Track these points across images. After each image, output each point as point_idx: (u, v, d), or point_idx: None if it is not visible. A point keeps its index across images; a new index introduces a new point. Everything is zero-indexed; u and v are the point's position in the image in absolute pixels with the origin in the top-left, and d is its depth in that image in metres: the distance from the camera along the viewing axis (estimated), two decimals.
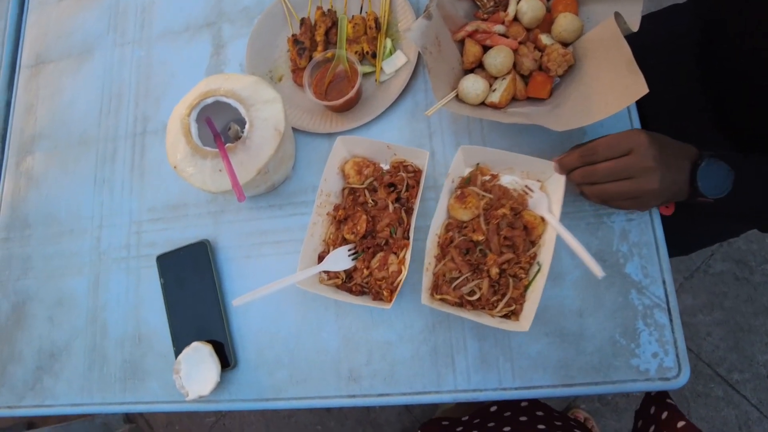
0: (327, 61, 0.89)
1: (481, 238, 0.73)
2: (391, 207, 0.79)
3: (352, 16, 0.92)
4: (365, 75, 0.90)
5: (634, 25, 0.73)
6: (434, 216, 0.75)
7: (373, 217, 0.80)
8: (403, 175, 0.81)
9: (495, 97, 0.78)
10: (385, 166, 0.85)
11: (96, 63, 1.07)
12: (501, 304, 0.71)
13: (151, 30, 1.06)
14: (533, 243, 0.75)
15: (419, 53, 0.85)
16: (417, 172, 0.82)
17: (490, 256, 0.73)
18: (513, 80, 0.78)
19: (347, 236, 0.80)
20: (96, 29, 1.10)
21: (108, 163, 0.99)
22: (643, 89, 0.64)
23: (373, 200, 0.81)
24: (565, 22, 0.77)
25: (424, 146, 0.86)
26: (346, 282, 0.79)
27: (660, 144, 0.65)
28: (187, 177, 0.77)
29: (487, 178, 0.79)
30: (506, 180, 0.79)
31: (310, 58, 0.91)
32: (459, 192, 0.76)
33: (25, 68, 1.13)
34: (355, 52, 0.90)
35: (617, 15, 0.70)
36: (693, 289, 1.64)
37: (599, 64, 0.73)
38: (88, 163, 1.01)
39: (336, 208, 0.83)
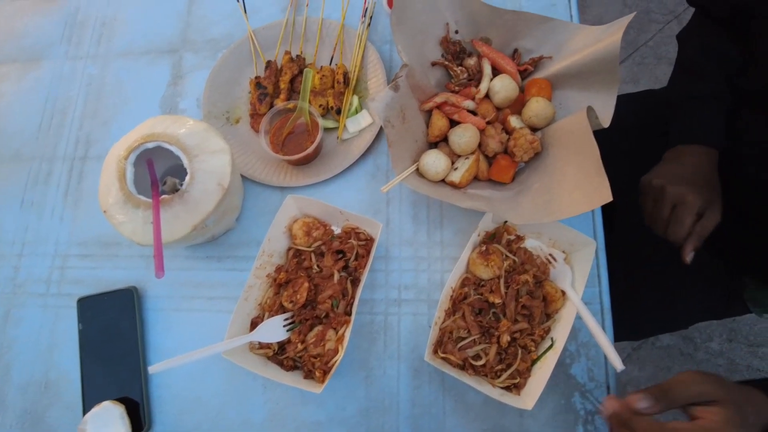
0: (288, 111, 0.84)
1: (498, 300, 0.69)
2: (336, 276, 0.74)
3: (321, 66, 0.88)
4: (327, 130, 0.86)
5: (606, 120, 0.71)
6: (454, 269, 0.71)
7: (316, 285, 0.75)
8: (354, 242, 0.77)
9: (456, 177, 0.74)
10: (337, 230, 0.80)
11: (43, 73, 1.00)
12: (505, 375, 0.67)
13: (109, 47, 0.99)
14: (549, 316, 0.71)
15: None
16: (369, 241, 0.78)
17: (504, 322, 0.68)
18: (476, 161, 0.75)
19: (285, 304, 0.74)
20: (49, 37, 1.02)
21: (40, 185, 0.92)
22: (607, 196, 0.61)
23: (318, 266, 0.76)
24: (536, 108, 0.74)
25: (380, 213, 0.82)
26: (277, 354, 0.74)
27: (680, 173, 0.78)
28: (116, 225, 0.70)
29: (512, 237, 0.75)
30: (531, 244, 0.75)
31: (271, 105, 0.86)
32: (483, 248, 0.71)
33: None
34: (320, 106, 0.85)
35: (589, 110, 0.68)
36: (640, 360, 1.64)
37: (567, 158, 0.70)
38: (18, 182, 0.92)
39: (278, 269, 0.77)
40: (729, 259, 0.90)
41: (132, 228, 0.70)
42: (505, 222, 0.74)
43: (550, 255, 0.75)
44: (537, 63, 0.80)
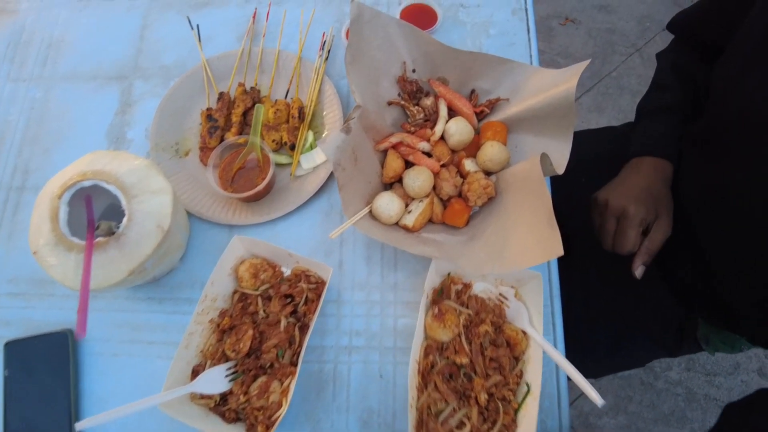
0: (239, 146, 0.81)
1: (465, 360, 0.66)
2: (283, 323, 0.71)
3: (276, 100, 0.85)
4: (280, 166, 0.83)
5: (560, 167, 0.70)
6: (414, 341, 0.67)
7: (261, 332, 0.71)
8: (304, 286, 0.74)
9: (409, 221, 0.73)
10: (286, 271, 0.77)
11: None
12: None
13: (54, 70, 0.95)
14: (517, 359, 0.69)
15: None
16: (320, 284, 0.75)
17: (477, 380, 0.65)
18: (430, 204, 0.74)
19: (228, 352, 0.71)
20: None
21: None
22: (558, 250, 0.60)
23: (265, 311, 0.73)
24: (491, 152, 0.73)
25: (333, 253, 0.79)
26: (219, 405, 0.70)
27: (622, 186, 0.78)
28: (46, 267, 0.66)
29: (460, 287, 0.73)
30: (479, 288, 0.73)
31: (222, 139, 0.83)
32: (436, 310, 0.69)
33: None
34: (273, 141, 0.83)
35: (543, 156, 0.67)
36: (601, 390, 1.64)
37: (520, 205, 0.69)
38: None
39: (222, 314, 0.74)
40: (681, 299, 0.90)
41: (63, 272, 0.65)
42: (449, 273, 0.72)
43: (501, 294, 0.74)
44: (493, 105, 0.79)
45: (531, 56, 0.90)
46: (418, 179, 0.72)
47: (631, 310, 0.91)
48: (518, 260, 0.64)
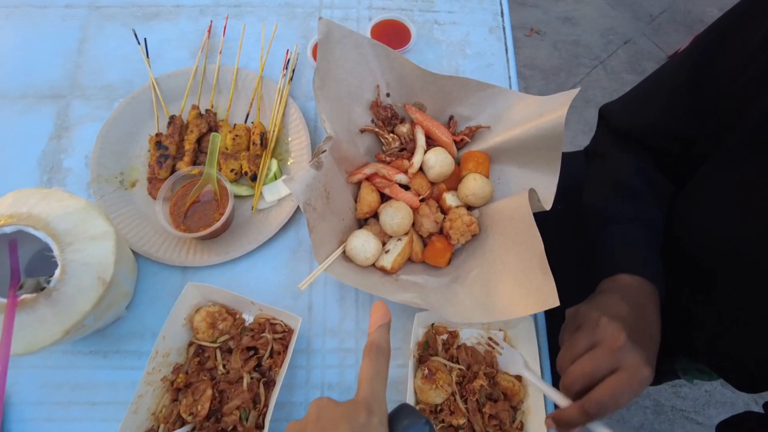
0: (193, 177, 0.73)
1: (462, 421, 0.61)
2: (246, 380, 0.63)
3: (234, 124, 0.77)
4: (240, 198, 0.75)
5: (547, 203, 0.65)
6: None
7: (221, 391, 0.63)
8: (269, 336, 0.66)
9: (387, 262, 0.66)
10: (248, 318, 0.69)
11: None
12: None
13: None
14: (515, 409, 0.64)
15: None
16: (287, 333, 0.67)
17: None
18: (410, 243, 0.67)
19: (184, 415, 0.62)
20: None
21: None
22: (553, 301, 0.55)
23: (225, 367, 0.65)
24: (474, 186, 0.68)
25: (302, 296, 0.72)
26: None
27: (613, 308, 0.56)
28: None
29: (445, 337, 0.68)
30: (466, 334, 0.68)
31: (173, 169, 0.74)
32: (426, 371, 0.62)
33: None
34: (231, 170, 0.74)
35: (531, 192, 0.62)
36: None
37: (507, 246, 0.64)
38: None
39: (176, 369, 0.65)
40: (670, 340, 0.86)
41: None
42: (432, 324, 0.67)
43: (491, 339, 0.69)
44: (474, 133, 0.74)
45: (510, 78, 0.86)
46: (396, 216, 0.65)
47: None
48: (509, 310, 0.58)
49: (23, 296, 0.55)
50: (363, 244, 0.65)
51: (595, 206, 0.72)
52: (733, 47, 0.66)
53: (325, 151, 0.63)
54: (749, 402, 1.64)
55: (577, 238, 0.76)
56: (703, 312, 0.71)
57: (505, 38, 0.89)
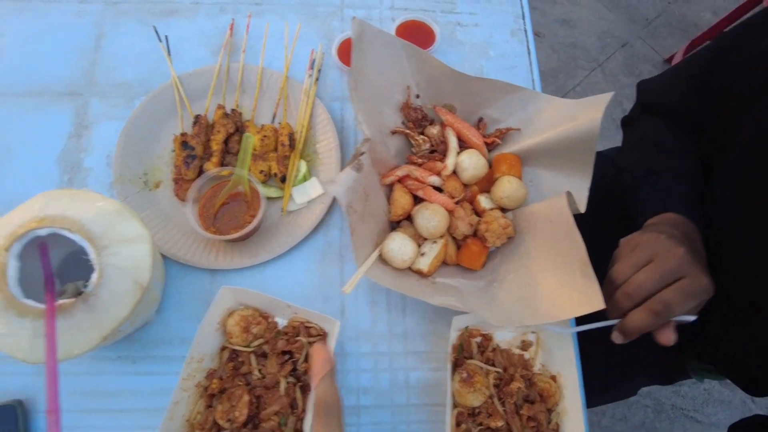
0: (222, 178, 0.71)
1: (500, 423, 0.60)
2: (283, 386, 0.62)
3: (262, 125, 0.76)
4: (270, 200, 0.74)
5: (582, 205, 0.65)
6: (447, 413, 0.60)
7: (258, 397, 0.62)
8: (304, 340, 0.65)
9: (423, 265, 0.66)
10: (282, 322, 0.68)
11: None
12: None
13: None
14: (550, 411, 0.64)
15: None
16: (321, 336, 0.66)
17: None
18: (445, 245, 0.67)
19: (221, 422, 0.61)
20: None
21: None
22: (598, 303, 0.55)
23: (260, 371, 0.64)
24: (509, 189, 0.68)
25: (333, 299, 0.71)
26: None
27: (666, 232, 0.58)
28: None
29: (479, 339, 0.67)
30: (500, 337, 0.68)
31: (200, 170, 0.72)
32: (464, 374, 0.62)
33: None
34: (260, 172, 0.73)
35: (568, 195, 0.63)
36: None
37: (544, 250, 0.64)
38: None
39: (209, 375, 0.63)
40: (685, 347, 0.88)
41: (14, 343, 0.53)
42: (467, 327, 0.66)
43: (523, 342, 0.69)
44: (504, 135, 0.74)
45: (533, 80, 0.86)
46: (433, 219, 0.65)
47: (628, 347, 0.89)
48: (551, 312, 0.58)
49: (61, 302, 0.54)
50: (400, 246, 0.64)
51: (631, 163, 0.75)
52: (739, 52, 0.67)
53: (364, 152, 0.62)
54: (746, 400, 1.68)
55: (599, 238, 0.77)
56: (709, 312, 0.73)
57: (527, 40, 0.89)
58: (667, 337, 0.57)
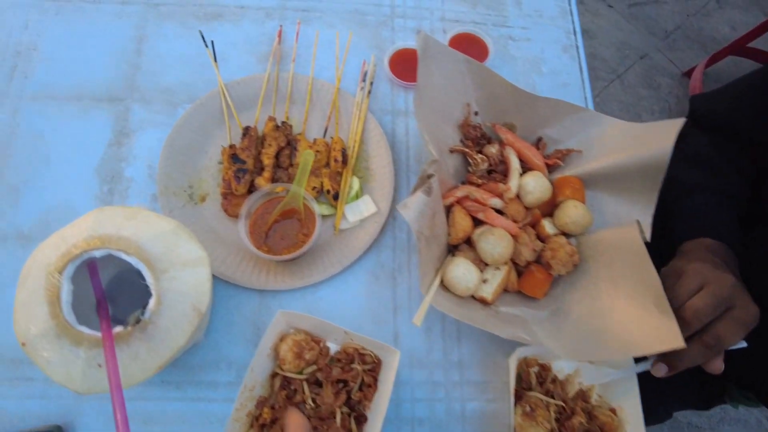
0: (274, 195, 0.68)
1: None
2: (339, 417, 0.59)
3: (314, 139, 0.73)
4: (322, 218, 0.71)
5: (646, 233, 0.63)
6: None
7: (314, 428, 0.59)
8: (359, 368, 0.62)
9: (486, 293, 0.63)
10: (333, 346, 0.65)
11: None
12: None
13: (23, 85, 0.76)
14: None
15: (392, 203, 0.69)
16: (375, 365, 0.63)
17: None
18: (509, 272, 0.64)
19: None
20: None
21: None
22: (677, 341, 0.52)
23: (314, 401, 0.61)
24: (575, 214, 0.65)
25: (386, 324, 0.68)
26: None
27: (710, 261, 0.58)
28: (43, 365, 0.50)
29: (536, 369, 0.65)
30: (558, 367, 0.66)
31: (251, 184, 0.69)
32: (527, 408, 0.59)
33: None
34: (313, 188, 0.70)
35: (639, 224, 0.60)
36: None
37: (613, 280, 0.61)
38: None
39: (259, 403, 0.60)
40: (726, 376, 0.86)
41: (67, 372, 0.50)
42: (525, 356, 0.64)
43: (578, 371, 0.67)
44: (565, 157, 0.71)
45: (585, 98, 0.84)
46: (498, 245, 0.62)
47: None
48: (624, 348, 0.56)
49: (117, 330, 0.50)
50: (464, 273, 0.61)
51: (674, 178, 0.72)
52: None
53: (433, 175, 0.59)
54: (761, 419, 1.67)
55: None
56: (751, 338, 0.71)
57: (579, 58, 0.87)
58: (717, 366, 0.56)
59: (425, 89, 0.64)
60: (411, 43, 0.81)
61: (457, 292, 0.62)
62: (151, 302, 0.51)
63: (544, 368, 0.66)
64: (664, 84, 2.12)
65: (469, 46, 0.82)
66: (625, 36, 2.18)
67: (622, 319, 0.58)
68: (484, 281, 0.64)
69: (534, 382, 0.64)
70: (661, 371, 0.57)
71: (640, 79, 2.12)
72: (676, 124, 0.63)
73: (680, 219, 0.70)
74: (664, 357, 0.57)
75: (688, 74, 2.10)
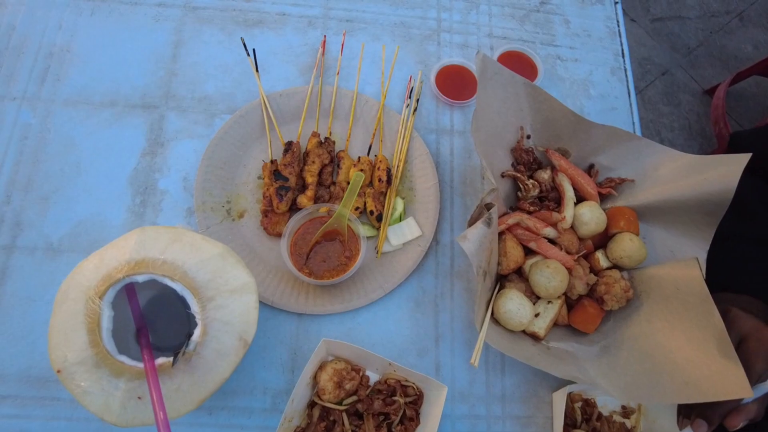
0: (317, 215, 0.65)
1: None
2: None
3: (359, 157, 0.70)
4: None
5: (703, 271, 0.60)
6: None
7: None
8: (401, 401, 0.59)
9: (538, 328, 0.60)
10: (374, 376, 0.62)
11: None
12: None
13: (56, 89, 0.73)
14: None
15: (436, 225, 0.67)
16: (417, 397, 0.61)
17: None
18: (561, 307, 0.62)
19: None
20: None
21: None
22: (744, 389, 0.50)
23: None
24: (630, 248, 0.63)
25: (427, 353, 0.66)
26: None
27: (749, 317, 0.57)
28: (78, 395, 0.47)
29: (580, 404, 0.64)
30: (600, 402, 0.65)
31: (294, 202, 0.66)
32: None
33: None
34: (356, 208, 0.67)
35: (698, 262, 0.58)
36: None
37: (670, 319, 0.59)
38: None
39: None
40: None
41: (105, 403, 0.47)
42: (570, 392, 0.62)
43: (623, 408, 0.65)
44: (617, 186, 0.68)
45: (633, 124, 0.81)
46: (554, 278, 0.59)
47: None
48: (684, 392, 0.53)
49: (160, 361, 0.48)
50: (518, 308, 0.59)
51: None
52: None
53: (493, 205, 0.56)
54: None
55: None
56: None
57: (627, 81, 0.84)
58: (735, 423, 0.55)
59: (482, 112, 0.62)
60: (457, 59, 0.78)
61: (510, 327, 0.60)
62: (197, 332, 0.49)
63: (588, 404, 0.64)
64: (684, 101, 2.09)
65: (517, 64, 0.79)
66: (647, 51, 2.15)
67: (680, 361, 0.55)
68: (536, 315, 0.61)
69: (579, 418, 0.62)
70: (701, 428, 0.55)
71: (661, 95, 2.09)
72: (741, 160, 0.60)
73: (716, 269, 0.64)
74: (701, 412, 0.55)
75: (710, 92, 2.07)
